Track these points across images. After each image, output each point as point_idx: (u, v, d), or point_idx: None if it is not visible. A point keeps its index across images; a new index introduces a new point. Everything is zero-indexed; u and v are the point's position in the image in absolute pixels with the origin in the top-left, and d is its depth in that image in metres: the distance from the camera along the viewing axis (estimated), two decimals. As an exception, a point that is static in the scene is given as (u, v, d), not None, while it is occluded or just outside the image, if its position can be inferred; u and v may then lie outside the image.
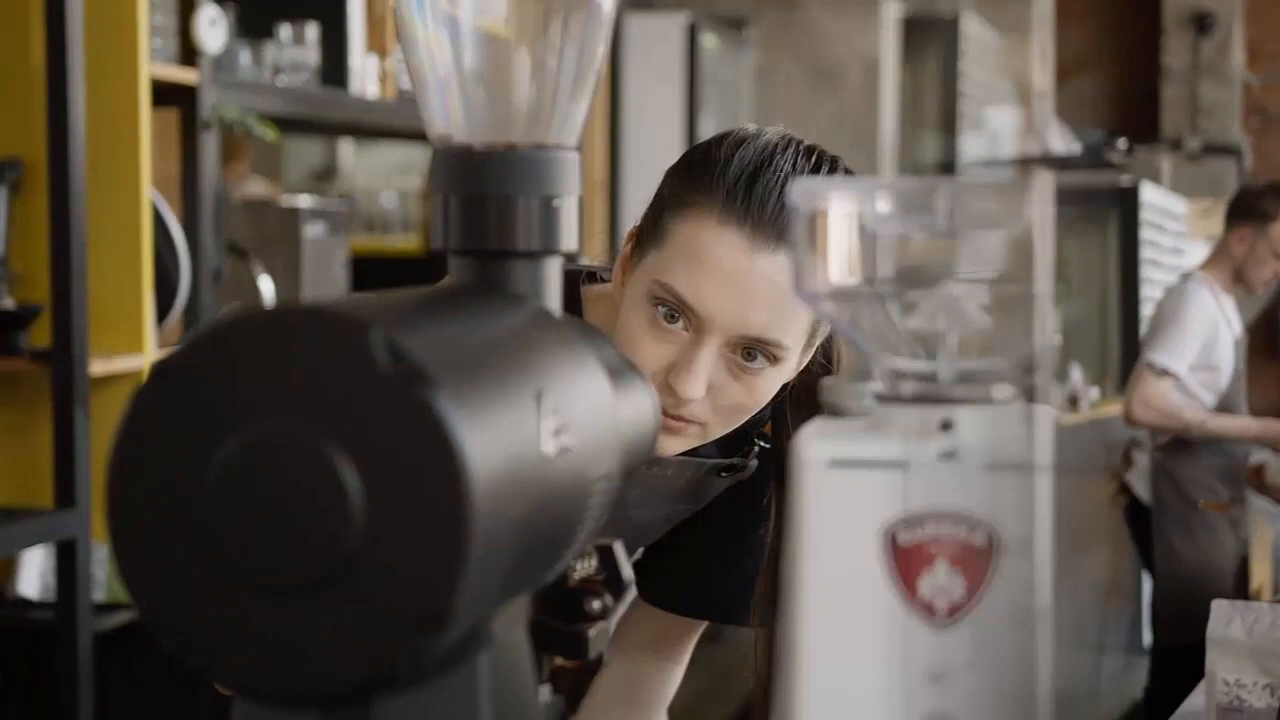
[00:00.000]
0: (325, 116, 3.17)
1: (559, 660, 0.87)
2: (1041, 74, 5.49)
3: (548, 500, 0.71)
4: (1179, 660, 4.24)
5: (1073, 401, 5.97)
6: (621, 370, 0.89)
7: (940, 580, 0.70)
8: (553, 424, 0.72)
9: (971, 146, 5.30)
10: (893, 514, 0.71)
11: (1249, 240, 4.30)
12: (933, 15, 6.85)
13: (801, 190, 0.74)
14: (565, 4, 0.85)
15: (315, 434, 0.63)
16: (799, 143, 1.25)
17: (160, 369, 0.66)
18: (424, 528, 0.62)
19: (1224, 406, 4.35)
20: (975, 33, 7.45)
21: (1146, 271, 7.05)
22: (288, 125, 3.28)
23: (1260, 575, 4.83)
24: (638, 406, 0.88)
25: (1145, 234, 6.96)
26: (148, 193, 2.56)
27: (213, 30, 2.70)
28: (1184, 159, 7.85)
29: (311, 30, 3.07)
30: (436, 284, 0.86)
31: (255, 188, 3.97)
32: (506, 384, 0.69)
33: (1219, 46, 9.31)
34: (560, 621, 0.86)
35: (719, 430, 1.30)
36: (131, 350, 2.56)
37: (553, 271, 0.85)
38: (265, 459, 0.63)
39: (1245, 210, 4.33)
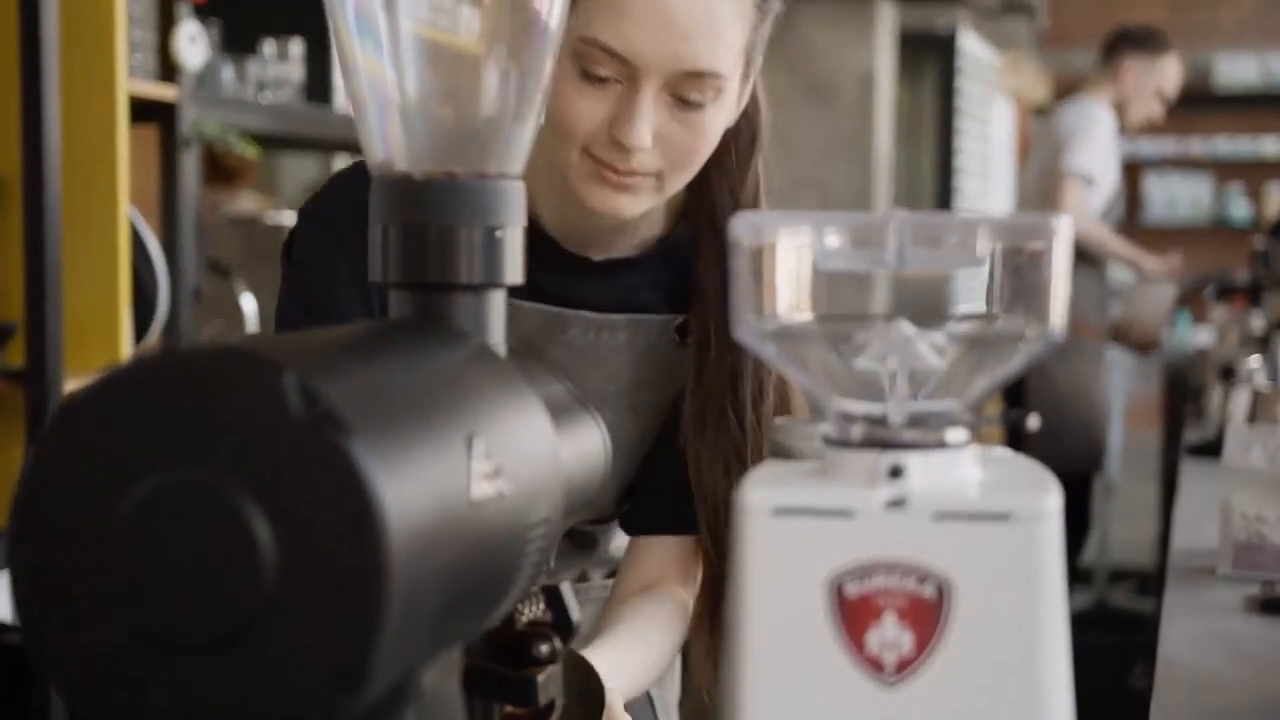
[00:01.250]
0: (309, 133, 3.14)
1: (509, 708, 0.83)
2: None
3: (479, 548, 0.68)
4: None
5: None
6: (568, 407, 0.86)
7: (888, 634, 0.67)
8: (485, 468, 0.69)
9: None
10: (839, 564, 0.68)
11: (1139, 72, 4.39)
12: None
13: (745, 224, 0.71)
14: (509, 24, 0.83)
15: (226, 481, 0.60)
16: None
17: (68, 407, 0.62)
18: (338, 581, 0.59)
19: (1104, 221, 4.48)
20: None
21: (957, 121, 7.15)
22: (274, 141, 3.25)
23: None
24: (584, 443, 0.85)
25: (959, 83, 7.04)
26: (125, 210, 2.53)
27: (193, 47, 2.67)
28: (981, 15, 7.88)
29: (295, 46, 3.04)
30: (375, 320, 0.83)
31: (247, 203, 3.95)
32: (434, 428, 0.66)
33: None
34: (508, 667, 0.83)
35: (675, 181, 1.27)
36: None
37: (496, 304, 0.82)
38: (174, 506, 0.60)
39: (1137, 42, 4.43)
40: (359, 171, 1.31)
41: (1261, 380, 2.97)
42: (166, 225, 2.70)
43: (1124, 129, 4.51)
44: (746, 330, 0.72)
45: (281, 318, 1.35)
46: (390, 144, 0.82)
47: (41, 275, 2.37)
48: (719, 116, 1.25)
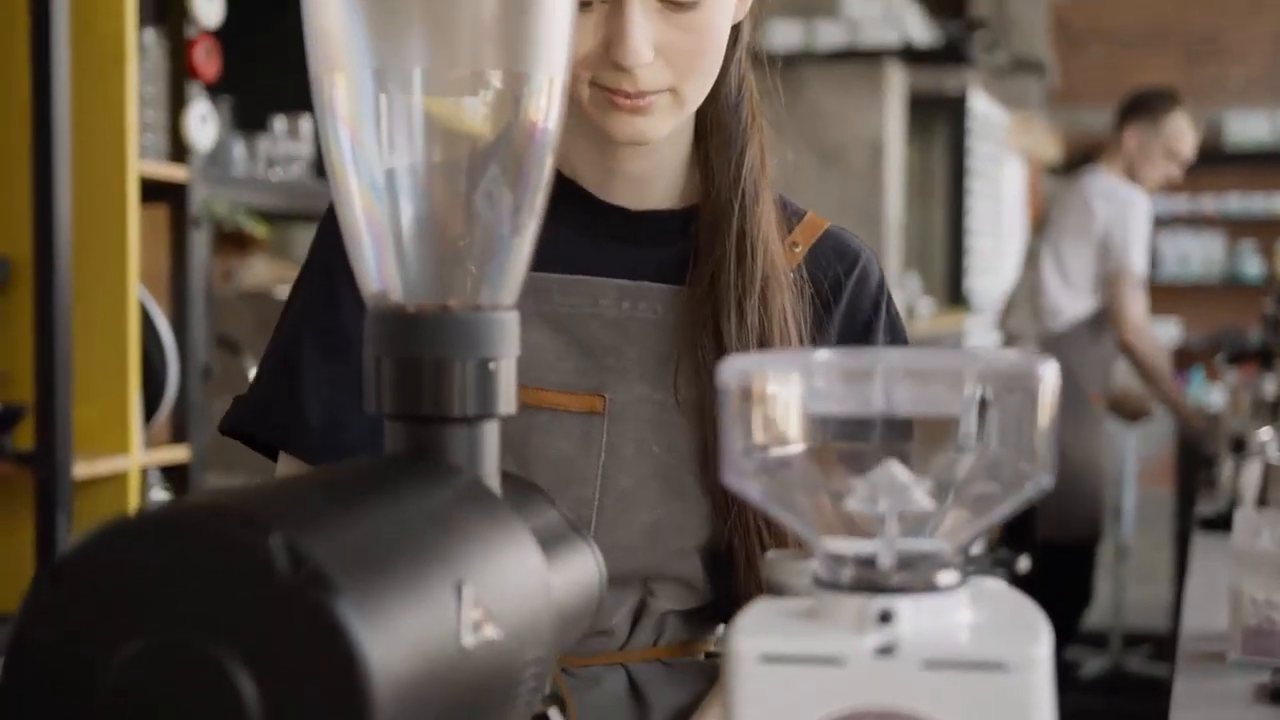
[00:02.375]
0: (319, 209, 3.15)
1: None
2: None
3: (469, 695, 0.68)
4: (1056, 556, 4.25)
5: (910, 312, 5.99)
6: (560, 535, 0.86)
7: (879, 785, 0.67)
8: (475, 615, 0.69)
9: (827, 34, 5.28)
10: (830, 712, 0.68)
11: (1143, 136, 4.42)
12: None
13: (731, 370, 0.71)
14: (504, 153, 0.83)
15: (213, 643, 0.60)
16: None
17: (58, 568, 0.63)
18: (325, 742, 0.59)
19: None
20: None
21: (968, 182, 7.17)
22: (284, 216, 3.27)
23: None
24: (577, 573, 0.85)
25: (969, 143, 7.06)
26: (135, 291, 2.54)
27: (204, 127, 2.69)
28: (991, 75, 7.91)
29: (306, 123, 3.06)
30: (365, 458, 0.83)
31: (260, 268, 3.96)
32: (422, 578, 0.66)
33: None
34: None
35: (694, 92, 1.19)
36: (118, 451, 2.53)
37: (490, 435, 0.82)
38: (161, 667, 0.60)
39: (1139, 108, 4.47)
40: None
41: (1274, 453, 2.95)
42: (176, 304, 2.71)
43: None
44: (734, 472, 0.72)
45: (286, 306, 1.30)
46: (385, 276, 0.82)
47: (51, 357, 2.38)
48: (718, 12, 1.18)
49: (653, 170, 1.28)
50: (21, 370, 2.45)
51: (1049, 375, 0.69)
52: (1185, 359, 10.03)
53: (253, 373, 3.03)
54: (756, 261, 1.22)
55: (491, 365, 0.81)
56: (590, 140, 1.25)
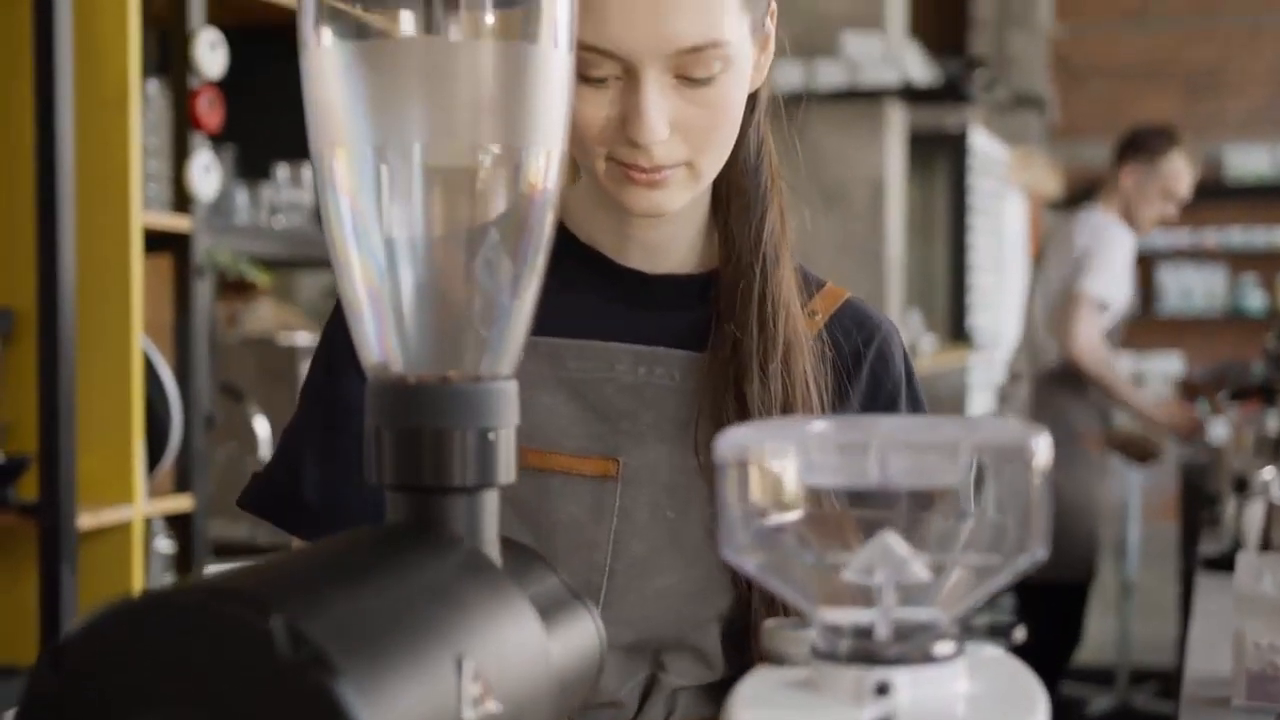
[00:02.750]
0: (322, 256, 3.17)
1: None
2: (894, 2, 5.47)
3: (470, 769, 0.68)
4: (1043, 597, 4.23)
5: (913, 350, 6.00)
6: (560, 602, 0.86)
7: None
8: (475, 690, 0.69)
9: (828, 74, 5.29)
10: (828, 785, 0.68)
11: (1139, 177, 4.43)
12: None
13: (728, 443, 0.72)
14: (503, 228, 0.84)
15: (214, 724, 0.60)
16: None
17: (59, 649, 0.63)
18: (326, 824, 0.59)
19: (1108, 340, 4.49)
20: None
21: (969, 218, 7.18)
22: (287, 264, 3.28)
23: None
24: (577, 639, 0.86)
25: (970, 180, 7.07)
26: (139, 342, 2.55)
27: (207, 177, 2.70)
28: (991, 110, 7.92)
29: (308, 170, 3.08)
30: (366, 529, 0.84)
31: (265, 312, 3.97)
32: (422, 654, 0.66)
33: None
34: None
35: (710, 165, 1.18)
36: (122, 501, 2.53)
37: (490, 505, 0.82)
38: (163, 748, 0.61)
39: (1136, 147, 4.48)
40: None
41: (1276, 493, 2.95)
42: (179, 353, 2.72)
43: (1137, 231, 4.54)
44: (731, 543, 0.73)
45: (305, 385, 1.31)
46: (385, 347, 0.83)
47: (55, 409, 2.38)
48: (734, 87, 1.16)
49: (670, 236, 1.28)
50: (26, 421, 2.46)
51: (1042, 448, 0.70)
52: (1188, 392, 10.03)
53: (256, 420, 3.04)
54: (779, 326, 1.22)
55: (491, 435, 0.81)
56: (607, 208, 1.24)
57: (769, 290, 1.23)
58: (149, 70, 2.78)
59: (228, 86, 2.82)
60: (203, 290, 2.72)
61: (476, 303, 0.83)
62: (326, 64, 0.80)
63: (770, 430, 0.74)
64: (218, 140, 2.84)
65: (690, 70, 1.14)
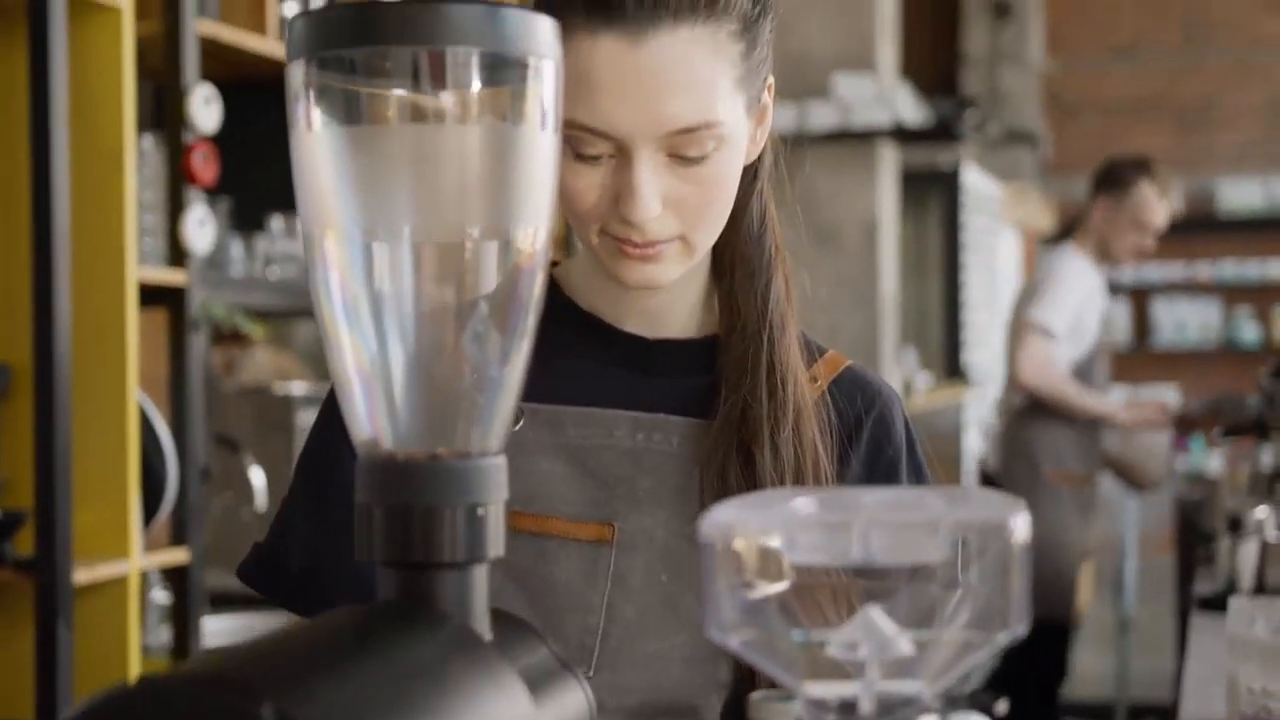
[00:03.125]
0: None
1: None
2: (886, 41, 5.49)
3: None
4: (1030, 635, 4.21)
5: (908, 388, 5.97)
6: (550, 673, 0.87)
7: None
8: (464, 769, 0.70)
9: (820, 115, 5.31)
10: None
11: (1108, 210, 4.44)
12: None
13: (713, 523, 0.73)
14: (492, 305, 0.85)
15: (206, 811, 0.61)
16: None
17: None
18: None
19: (1079, 374, 4.45)
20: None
21: (963, 255, 7.19)
22: (283, 313, 3.30)
23: (1087, 590, 4.82)
24: (567, 711, 0.87)
25: (963, 217, 7.09)
26: (135, 396, 2.56)
27: (202, 231, 2.72)
28: (984, 145, 7.94)
29: (303, 221, 3.09)
30: (358, 606, 0.85)
31: (262, 359, 3.98)
32: (413, 736, 0.67)
33: (1017, 33, 9.52)
34: None
35: (704, 239, 1.19)
36: (118, 556, 2.54)
37: (479, 579, 0.83)
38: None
39: (1105, 180, 4.49)
40: None
41: (1271, 533, 2.95)
42: (175, 406, 2.73)
43: (1115, 262, 4.53)
44: (716, 621, 0.74)
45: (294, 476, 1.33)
46: (375, 424, 0.84)
47: (51, 464, 2.39)
48: (728, 163, 1.17)
49: (669, 303, 1.29)
50: (22, 477, 2.47)
51: (1020, 526, 0.71)
52: (1184, 425, 10.04)
53: (253, 470, 3.04)
54: (788, 393, 1.22)
55: (480, 511, 0.82)
56: (605, 276, 1.25)
57: (777, 357, 1.24)
58: (144, 125, 2.80)
59: (222, 138, 2.84)
60: (198, 343, 2.73)
61: (465, 380, 0.84)
62: (316, 148, 0.82)
63: (755, 509, 0.75)
64: (212, 193, 2.86)
65: (683, 149, 1.14)
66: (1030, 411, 4.41)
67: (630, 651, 1.21)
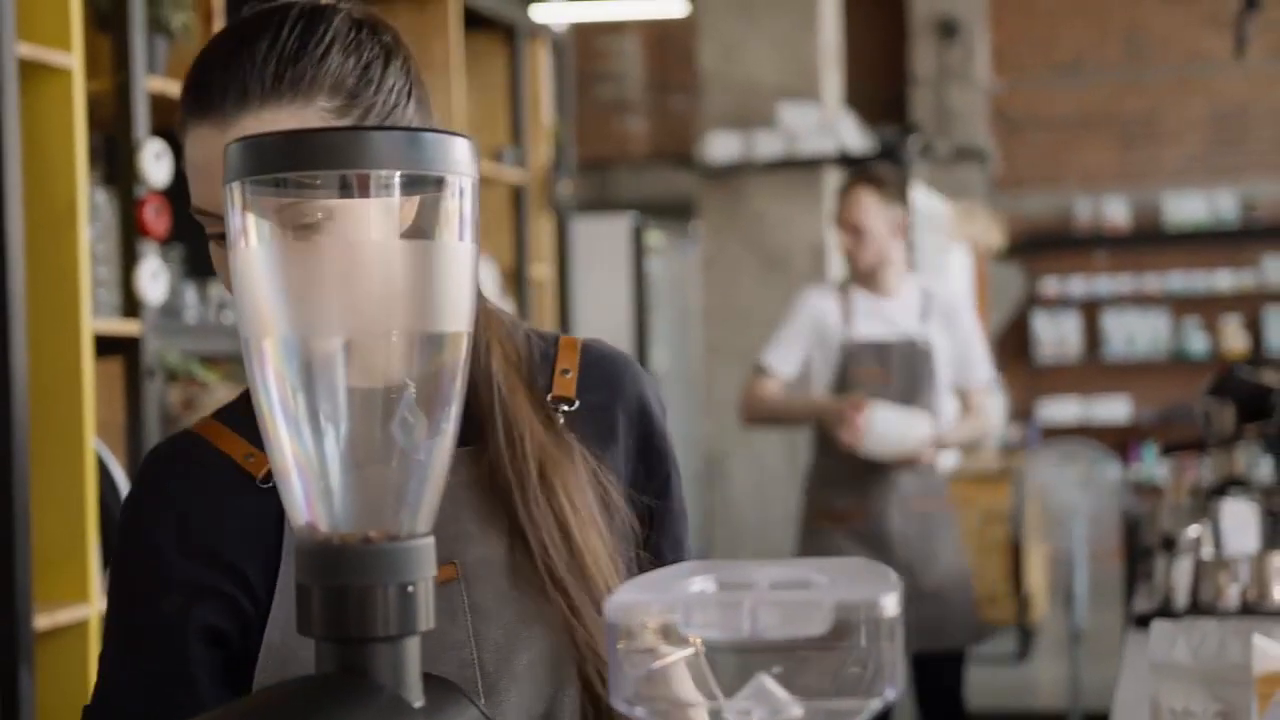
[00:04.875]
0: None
1: None
2: (830, 70, 5.54)
3: None
4: (926, 666, 4.20)
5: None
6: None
7: None
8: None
9: (766, 144, 5.33)
10: None
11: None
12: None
13: (615, 605, 0.80)
14: (420, 398, 0.93)
15: None
16: (260, 10, 1.23)
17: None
18: None
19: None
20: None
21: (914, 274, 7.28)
22: (238, 357, 3.36)
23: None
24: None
25: (913, 236, 7.19)
26: (91, 444, 2.62)
27: (154, 282, 2.78)
28: (933, 163, 8.05)
29: (255, 266, 3.16)
30: (298, 679, 0.92)
31: (220, 396, 4.02)
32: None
33: (964, 52, 9.68)
34: None
35: None
36: (77, 601, 2.60)
37: (411, 650, 0.91)
38: None
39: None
40: (172, 447, 1.32)
41: (1205, 550, 3.03)
42: (131, 454, 2.79)
43: (855, 268, 4.26)
44: (620, 694, 0.81)
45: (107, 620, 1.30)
46: (312, 510, 0.91)
47: (9, 513, 2.45)
48: (354, 236, 1.22)
49: None
50: (-19, 526, 2.52)
51: (890, 602, 0.79)
52: (1135, 435, 10.22)
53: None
54: (526, 450, 1.27)
55: (410, 588, 0.90)
56: None
57: (510, 418, 1.28)
58: (96, 180, 2.86)
59: (173, 186, 2.90)
60: (153, 391, 2.79)
61: (394, 468, 0.91)
62: (253, 261, 0.89)
63: (654, 591, 0.82)
64: (164, 242, 2.92)
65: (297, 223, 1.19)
66: (812, 460, 4.27)
67: (508, 670, 1.27)
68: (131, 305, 2.78)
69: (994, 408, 4.22)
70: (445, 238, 0.90)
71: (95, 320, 2.65)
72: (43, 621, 2.51)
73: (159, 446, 1.33)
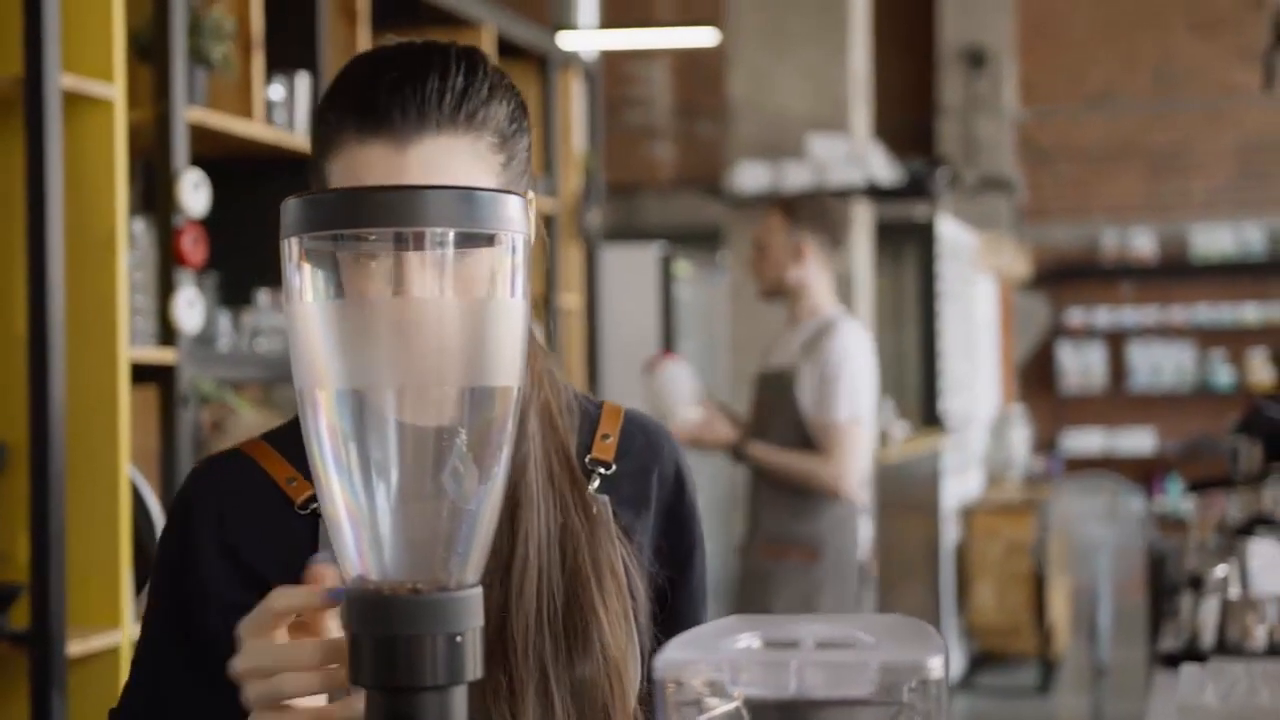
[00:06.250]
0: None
1: None
2: (859, 102, 5.54)
3: None
4: None
5: (885, 438, 5.95)
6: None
7: None
8: None
9: (795, 175, 5.33)
10: None
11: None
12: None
13: (664, 662, 0.82)
14: (470, 448, 0.94)
15: None
16: (407, 43, 1.24)
17: None
18: None
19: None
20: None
21: (939, 304, 7.29)
22: (269, 380, 3.39)
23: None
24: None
25: (939, 266, 7.18)
26: (126, 472, 2.64)
27: (191, 311, 2.81)
28: (960, 193, 8.03)
29: (288, 294, 3.18)
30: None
31: (248, 417, 4.04)
32: None
33: (992, 82, 9.66)
34: None
35: None
36: (110, 627, 2.62)
37: (459, 700, 0.92)
38: None
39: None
40: (222, 461, 1.33)
41: (1233, 590, 3.02)
42: (165, 480, 2.81)
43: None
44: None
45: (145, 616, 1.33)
46: (363, 561, 0.93)
47: (45, 539, 2.47)
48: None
49: None
50: (18, 551, 2.54)
51: (937, 664, 0.80)
52: (1159, 467, 10.18)
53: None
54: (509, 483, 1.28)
55: (459, 639, 0.91)
56: None
57: (532, 480, 1.28)
58: (135, 209, 2.89)
59: (210, 215, 2.93)
60: (186, 419, 2.82)
61: (444, 520, 0.93)
62: (309, 315, 0.91)
63: (702, 649, 0.83)
64: (201, 270, 2.95)
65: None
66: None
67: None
68: (168, 333, 2.80)
69: (851, 453, 3.86)
70: (498, 294, 0.92)
71: (131, 349, 2.68)
72: (75, 648, 2.53)
73: (209, 459, 1.35)
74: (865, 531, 4.05)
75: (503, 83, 1.26)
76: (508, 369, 0.92)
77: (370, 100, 1.20)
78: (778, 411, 3.96)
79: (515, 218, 0.92)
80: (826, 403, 3.88)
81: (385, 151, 1.20)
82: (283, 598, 1.01)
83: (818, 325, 4.00)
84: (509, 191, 0.92)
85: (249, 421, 4.05)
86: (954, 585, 7.33)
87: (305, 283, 0.90)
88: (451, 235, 0.90)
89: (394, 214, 0.89)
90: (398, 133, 1.19)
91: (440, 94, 1.21)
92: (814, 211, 4.06)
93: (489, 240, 0.91)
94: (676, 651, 0.83)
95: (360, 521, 0.92)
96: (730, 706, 0.84)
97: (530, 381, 1.31)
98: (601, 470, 1.33)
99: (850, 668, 0.80)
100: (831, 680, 0.81)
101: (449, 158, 1.21)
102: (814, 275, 4.00)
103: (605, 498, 1.31)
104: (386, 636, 0.90)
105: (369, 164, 1.20)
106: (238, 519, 1.28)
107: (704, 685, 0.82)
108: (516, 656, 1.24)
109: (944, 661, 0.81)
